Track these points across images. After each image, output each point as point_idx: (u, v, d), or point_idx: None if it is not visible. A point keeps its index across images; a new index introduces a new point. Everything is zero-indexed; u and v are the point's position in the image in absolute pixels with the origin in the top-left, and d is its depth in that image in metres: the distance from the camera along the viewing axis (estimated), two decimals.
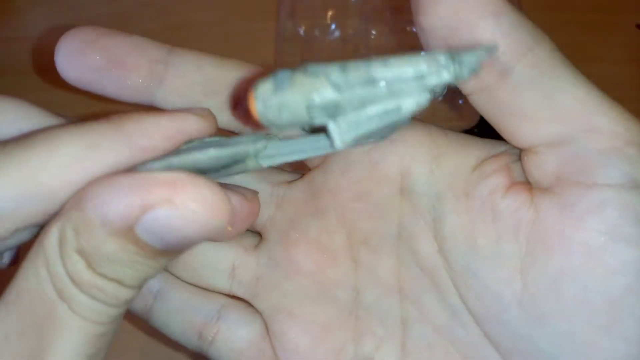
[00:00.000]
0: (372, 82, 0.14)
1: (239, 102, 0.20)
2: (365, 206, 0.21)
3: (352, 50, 0.43)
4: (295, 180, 0.22)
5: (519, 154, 0.18)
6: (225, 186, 0.19)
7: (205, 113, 0.17)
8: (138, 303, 0.22)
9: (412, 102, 0.14)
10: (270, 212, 0.22)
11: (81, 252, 0.14)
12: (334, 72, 0.14)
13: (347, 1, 0.44)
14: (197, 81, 0.20)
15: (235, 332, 0.22)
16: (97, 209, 0.14)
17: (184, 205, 0.13)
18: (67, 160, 0.14)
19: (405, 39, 0.44)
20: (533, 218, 0.17)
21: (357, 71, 0.14)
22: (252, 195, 0.19)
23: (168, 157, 0.16)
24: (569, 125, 0.16)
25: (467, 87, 0.17)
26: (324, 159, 0.21)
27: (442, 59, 0.14)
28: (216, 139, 0.17)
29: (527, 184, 0.18)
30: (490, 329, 0.18)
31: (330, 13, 0.44)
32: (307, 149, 0.16)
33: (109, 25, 0.21)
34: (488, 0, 0.16)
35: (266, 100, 0.14)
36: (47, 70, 0.42)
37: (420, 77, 0.14)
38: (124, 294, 0.15)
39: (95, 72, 0.19)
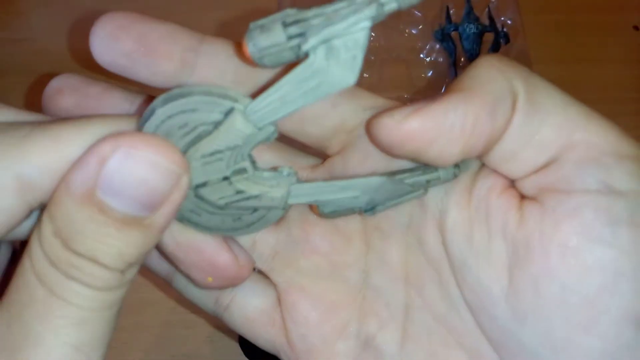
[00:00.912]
0: (333, 4, 0.16)
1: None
2: None
3: None
4: (317, 165, 0.23)
5: None
6: (227, 241, 0.20)
7: None
8: (163, 266, 0.23)
9: (367, 12, 0.16)
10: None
11: (57, 233, 0.15)
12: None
13: None
14: (228, 70, 0.20)
15: (249, 300, 0.23)
16: (64, 182, 0.15)
17: (131, 148, 0.15)
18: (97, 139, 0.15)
19: (404, 40, 0.44)
20: (518, 220, 0.18)
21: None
22: (245, 260, 0.21)
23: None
24: (551, 152, 0.17)
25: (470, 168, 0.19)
26: (344, 147, 0.21)
27: None
28: None
29: (516, 190, 0.19)
30: (482, 321, 0.19)
31: None
32: (291, 91, 0.17)
33: None
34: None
35: (251, 28, 0.16)
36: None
37: None
38: (103, 274, 0.15)
39: (128, 57, 0.20)
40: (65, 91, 0.22)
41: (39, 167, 0.15)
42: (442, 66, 0.44)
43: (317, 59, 0.16)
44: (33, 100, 0.41)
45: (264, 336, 0.23)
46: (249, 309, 0.23)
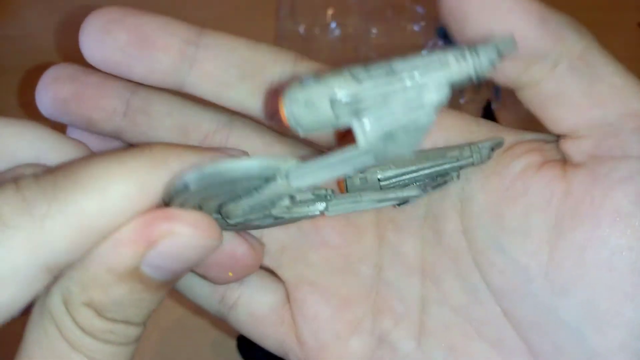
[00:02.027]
0: (392, 74, 0.14)
1: (275, 112, 0.20)
2: None
3: (352, 48, 0.43)
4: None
5: (549, 138, 0.19)
6: (238, 233, 0.20)
7: (240, 154, 0.17)
8: None
9: (433, 96, 0.14)
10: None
11: (90, 304, 0.15)
12: (356, 68, 0.14)
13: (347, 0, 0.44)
14: (231, 64, 0.20)
15: (256, 297, 0.22)
16: (103, 260, 0.15)
17: (184, 232, 0.15)
18: (118, 204, 0.14)
19: (406, 38, 0.44)
20: (565, 190, 0.17)
21: (378, 66, 0.14)
22: (258, 245, 0.20)
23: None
24: (607, 110, 0.17)
25: (517, 83, 0.18)
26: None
27: (462, 52, 0.14)
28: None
29: (560, 161, 0.18)
30: (512, 304, 0.19)
31: (330, 12, 0.44)
32: (336, 164, 0.16)
33: None
34: (531, 4, 0.17)
35: (292, 97, 0.14)
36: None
37: (441, 70, 0.14)
38: (133, 331, 0.16)
39: (122, 52, 0.19)
40: (63, 80, 0.21)
41: (67, 252, 0.14)
42: None
43: (372, 145, 0.14)
44: (26, 97, 0.41)
45: (272, 336, 0.22)
46: (257, 307, 0.22)
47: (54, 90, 0.21)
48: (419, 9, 0.44)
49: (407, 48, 0.43)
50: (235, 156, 0.17)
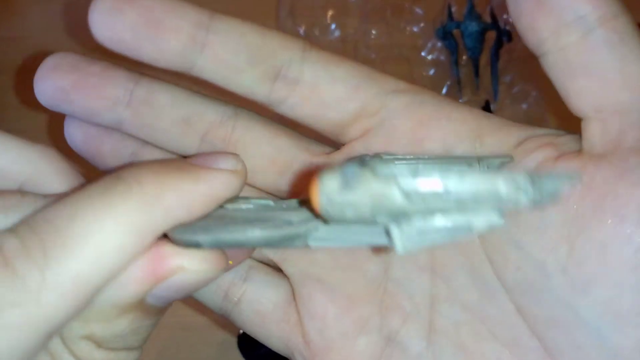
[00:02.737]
0: (444, 194, 0.13)
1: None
2: None
3: (352, 49, 0.43)
4: (334, 152, 0.21)
5: (560, 133, 0.19)
6: None
7: (239, 167, 0.17)
8: None
9: (483, 221, 0.13)
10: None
11: (90, 337, 0.14)
12: (404, 178, 0.13)
13: (347, 1, 0.44)
14: (242, 49, 0.20)
15: (261, 294, 0.22)
16: (108, 298, 0.14)
17: (194, 268, 0.15)
18: (115, 258, 0.14)
19: (406, 39, 0.44)
20: (586, 183, 0.17)
21: (430, 180, 0.13)
22: None
23: (213, 228, 0.15)
24: (638, 94, 0.16)
25: (542, 47, 0.17)
26: (365, 132, 0.20)
27: (522, 182, 0.13)
28: (263, 202, 0.18)
29: (576, 153, 0.18)
30: (527, 301, 0.18)
31: (330, 12, 0.44)
32: (361, 238, 0.15)
33: None
34: None
35: (331, 197, 0.13)
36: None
37: (496, 198, 0.13)
38: (133, 355, 0.16)
39: (132, 32, 0.18)
40: (63, 69, 0.20)
41: (66, 315, 0.13)
42: (444, 64, 0.43)
43: (408, 252, 0.14)
44: (25, 96, 0.41)
45: (277, 334, 0.22)
46: (261, 304, 0.22)
47: (53, 79, 0.20)
48: (419, 10, 0.44)
49: (407, 49, 0.44)
50: (250, 212, 0.17)
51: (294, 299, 0.22)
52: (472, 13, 0.43)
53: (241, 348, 0.34)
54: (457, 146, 0.20)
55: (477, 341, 0.19)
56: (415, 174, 0.13)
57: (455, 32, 0.43)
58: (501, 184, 0.13)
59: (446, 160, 0.19)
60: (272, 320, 0.22)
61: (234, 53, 0.19)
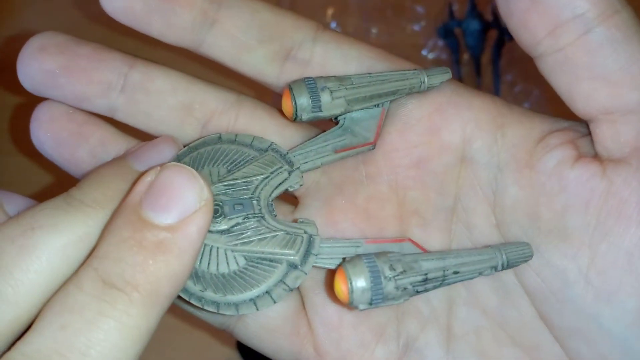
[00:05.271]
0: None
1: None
2: (421, 174, 0.19)
3: None
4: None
5: (583, 129, 0.18)
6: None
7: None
8: None
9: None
10: (315, 177, 0.20)
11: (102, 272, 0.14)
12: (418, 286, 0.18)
13: None
14: (253, 26, 0.19)
15: None
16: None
17: (171, 169, 0.15)
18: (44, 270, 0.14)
19: (406, 37, 0.44)
20: (606, 189, 0.16)
21: (433, 280, 0.18)
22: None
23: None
24: None
25: (538, 48, 0.17)
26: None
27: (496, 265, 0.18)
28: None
29: (596, 156, 0.17)
30: (549, 307, 0.17)
31: (330, 11, 0.44)
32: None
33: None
34: None
35: (358, 299, 0.17)
36: None
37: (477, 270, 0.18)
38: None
39: (143, 2, 0.18)
40: (50, 50, 0.19)
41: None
42: (445, 63, 0.43)
43: None
44: (25, 96, 0.41)
45: (287, 348, 0.20)
46: (268, 318, 0.20)
47: (39, 61, 0.19)
48: (419, 9, 0.44)
49: (407, 47, 0.43)
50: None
51: (304, 308, 0.20)
52: (473, 11, 0.43)
53: (240, 348, 0.34)
54: (478, 137, 0.19)
55: (498, 348, 0.19)
56: (424, 280, 0.18)
57: (457, 30, 0.43)
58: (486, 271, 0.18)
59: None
60: (281, 334, 0.20)
61: (244, 30, 0.19)
